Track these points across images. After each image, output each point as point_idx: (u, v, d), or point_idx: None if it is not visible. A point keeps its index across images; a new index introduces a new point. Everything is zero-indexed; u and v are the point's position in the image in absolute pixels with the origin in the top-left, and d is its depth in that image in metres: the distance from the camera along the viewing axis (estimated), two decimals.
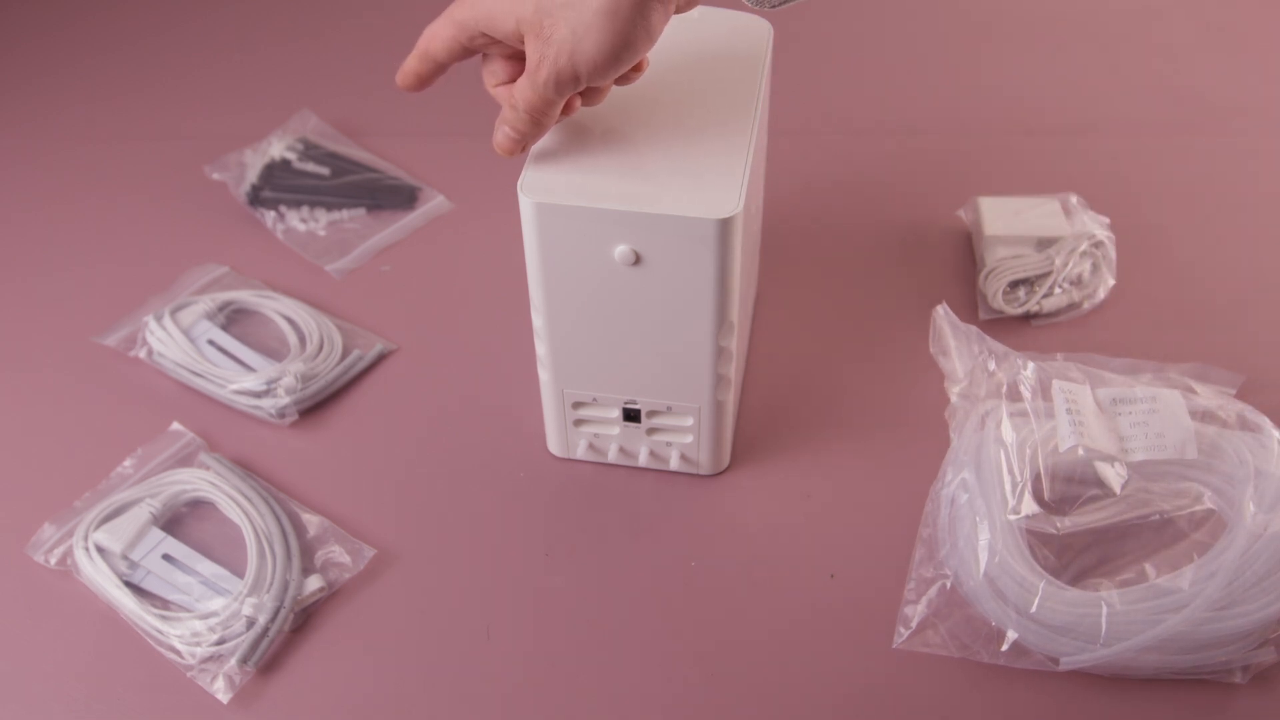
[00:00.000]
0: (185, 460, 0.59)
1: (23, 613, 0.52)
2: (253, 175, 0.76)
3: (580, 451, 0.57)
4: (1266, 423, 0.51)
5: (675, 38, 0.51)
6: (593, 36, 0.41)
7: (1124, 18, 0.95)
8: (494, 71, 0.47)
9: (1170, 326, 0.65)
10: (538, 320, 0.52)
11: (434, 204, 0.77)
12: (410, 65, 0.48)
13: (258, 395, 0.61)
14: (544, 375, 0.54)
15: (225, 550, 0.54)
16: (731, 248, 0.47)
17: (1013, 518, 0.49)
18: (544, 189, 0.47)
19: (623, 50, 0.42)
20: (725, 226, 0.46)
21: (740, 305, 0.51)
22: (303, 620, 0.52)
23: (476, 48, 0.46)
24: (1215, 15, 0.94)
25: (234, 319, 0.67)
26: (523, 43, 0.44)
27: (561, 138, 0.49)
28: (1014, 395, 0.53)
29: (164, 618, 0.50)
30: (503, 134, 0.47)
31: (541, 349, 0.53)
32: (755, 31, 0.55)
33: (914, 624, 0.50)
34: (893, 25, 0.96)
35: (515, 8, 0.43)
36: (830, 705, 0.48)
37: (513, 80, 0.46)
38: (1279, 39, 0.91)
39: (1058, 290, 0.65)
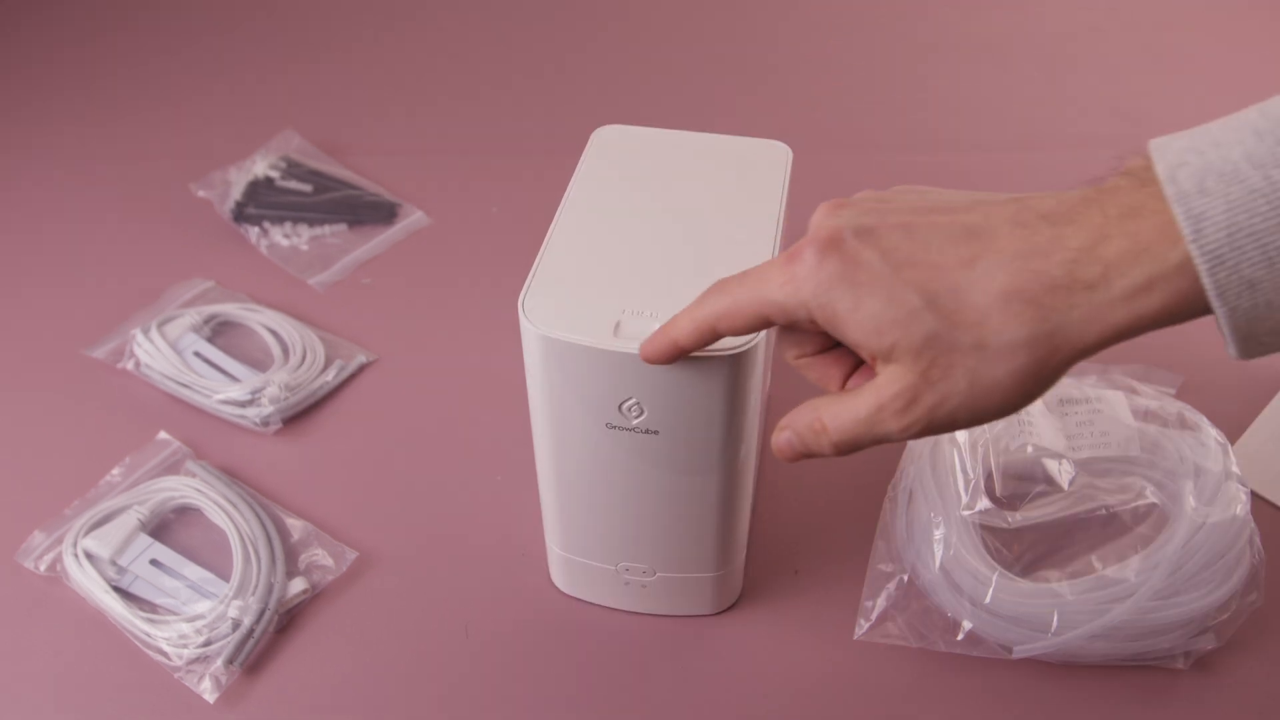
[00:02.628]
0: (172, 468, 0.59)
1: (13, 618, 0.53)
2: (237, 192, 0.77)
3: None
4: (1204, 421, 0.53)
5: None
6: (995, 398, 0.31)
7: (1067, 39, 0.98)
8: (799, 342, 0.37)
9: None
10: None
11: (413, 219, 0.78)
12: (661, 351, 0.37)
13: (243, 405, 0.62)
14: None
15: (211, 555, 0.55)
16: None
17: (966, 513, 0.49)
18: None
19: (1011, 412, 0.32)
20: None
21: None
22: (287, 621, 0.52)
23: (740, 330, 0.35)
24: (1153, 37, 0.97)
25: (219, 331, 0.68)
26: (847, 342, 0.33)
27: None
28: None
29: (152, 621, 0.51)
30: (785, 440, 0.36)
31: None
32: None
33: (874, 616, 0.50)
34: (844, 46, 0.98)
35: (886, 313, 0.31)
36: (794, 695, 0.49)
37: (820, 352, 0.37)
38: (1212, 59, 0.94)
39: None
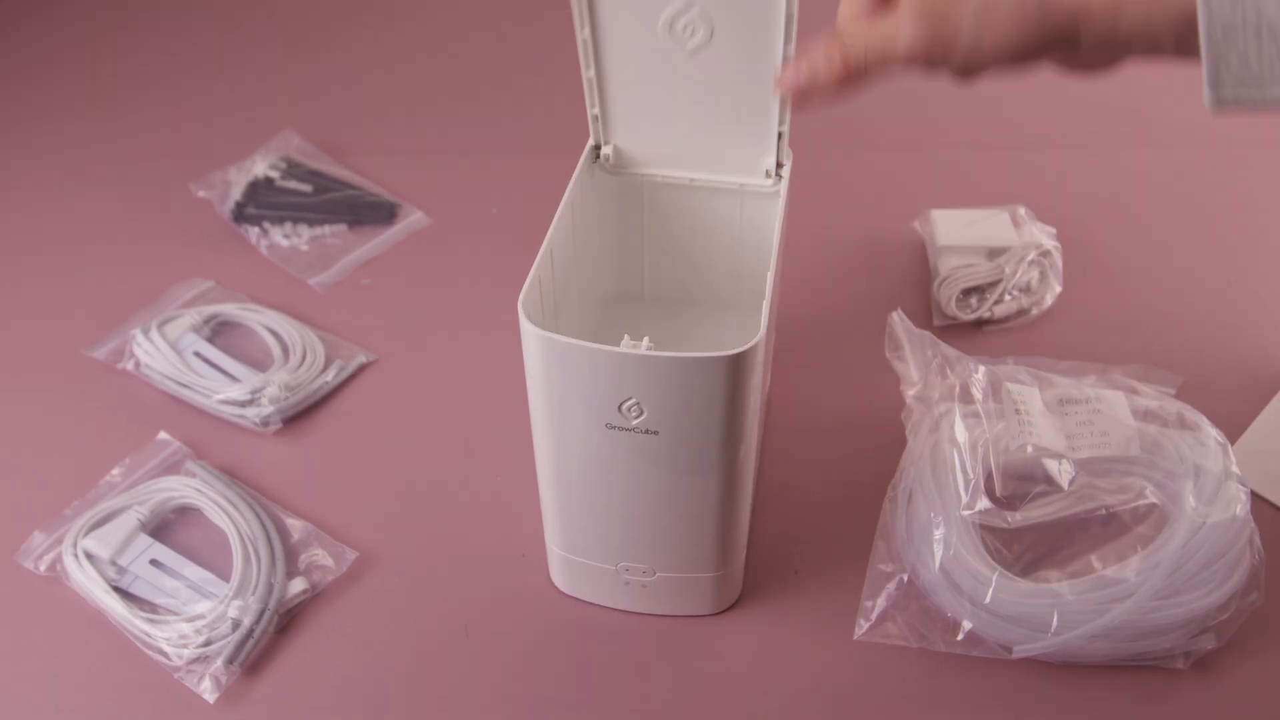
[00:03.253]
0: (172, 468, 0.59)
1: (13, 618, 0.53)
2: (237, 193, 0.77)
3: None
4: (1204, 421, 0.53)
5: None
6: (1000, 23, 0.35)
7: None
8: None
9: (1114, 331, 0.67)
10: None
11: (412, 219, 0.78)
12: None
13: (242, 405, 0.62)
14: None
15: (211, 555, 0.55)
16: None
17: (966, 513, 0.49)
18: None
19: (1013, 56, 0.36)
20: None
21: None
22: (287, 621, 0.52)
23: None
24: None
25: (219, 331, 0.68)
26: None
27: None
28: (966, 397, 0.54)
29: (152, 621, 0.51)
30: (791, 68, 0.39)
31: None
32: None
33: (874, 616, 0.50)
34: None
35: None
36: (794, 695, 0.49)
37: (871, 12, 0.39)
38: None
39: (1008, 297, 0.66)
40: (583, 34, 0.45)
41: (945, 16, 0.35)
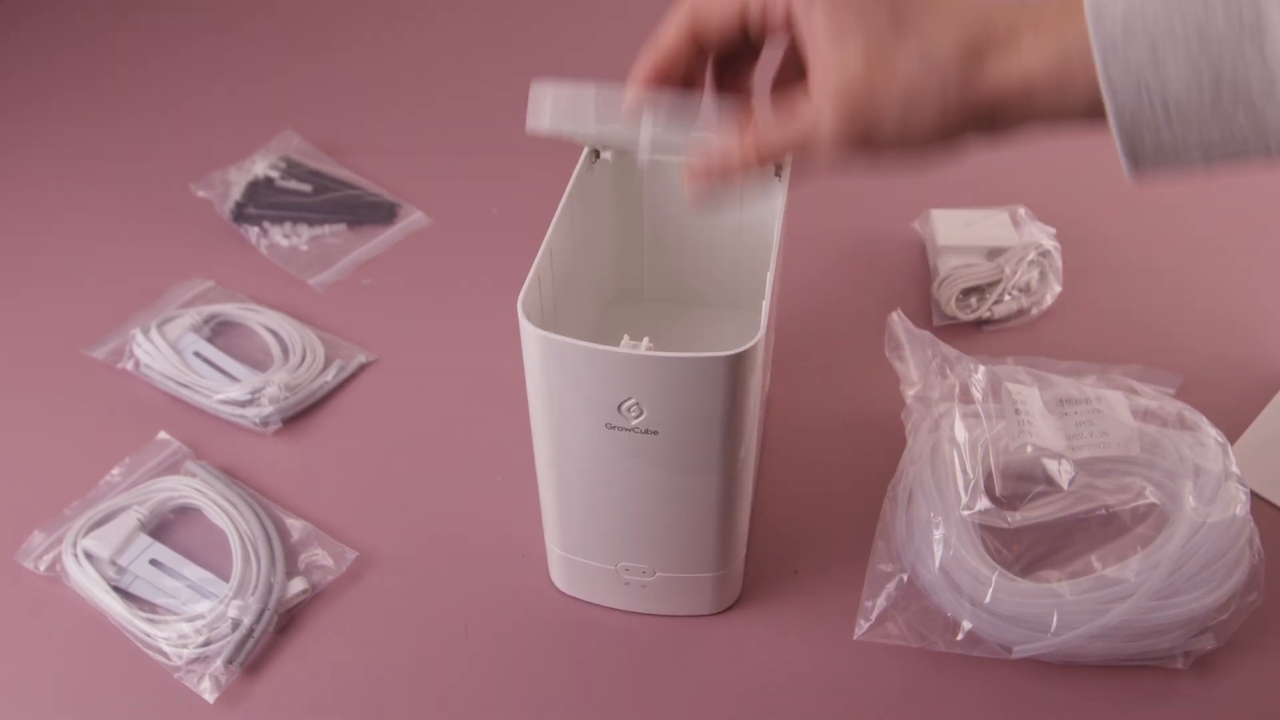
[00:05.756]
0: (172, 468, 0.59)
1: (13, 618, 0.53)
2: (237, 193, 0.77)
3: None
4: (1204, 421, 0.53)
5: None
6: (925, 109, 0.35)
7: None
8: (737, 62, 0.40)
9: (1113, 330, 0.67)
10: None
11: (412, 219, 0.78)
12: (649, 67, 0.39)
13: (242, 405, 0.62)
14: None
15: (211, 555, 0.55)
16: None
17: (966, 513, 0.49)
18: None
19: (933, 140, 0.36)
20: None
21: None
22: (287, 621, 0.52)
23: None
24: None
25: (219, 331, 0.68)
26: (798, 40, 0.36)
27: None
28: (966, 397, 0.54)
29: (151, 621, 0.51)
30: (695, 162, 0.38)
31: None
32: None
33: (874, 616, 0.50)
34: None
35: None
36: (794, 695, 0.49)
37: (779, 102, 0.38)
38: None
39: (1007, 297, 0.67)
40: None
41: (869, 105, 0.35)
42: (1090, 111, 0.33)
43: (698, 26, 0.38)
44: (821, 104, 0.35)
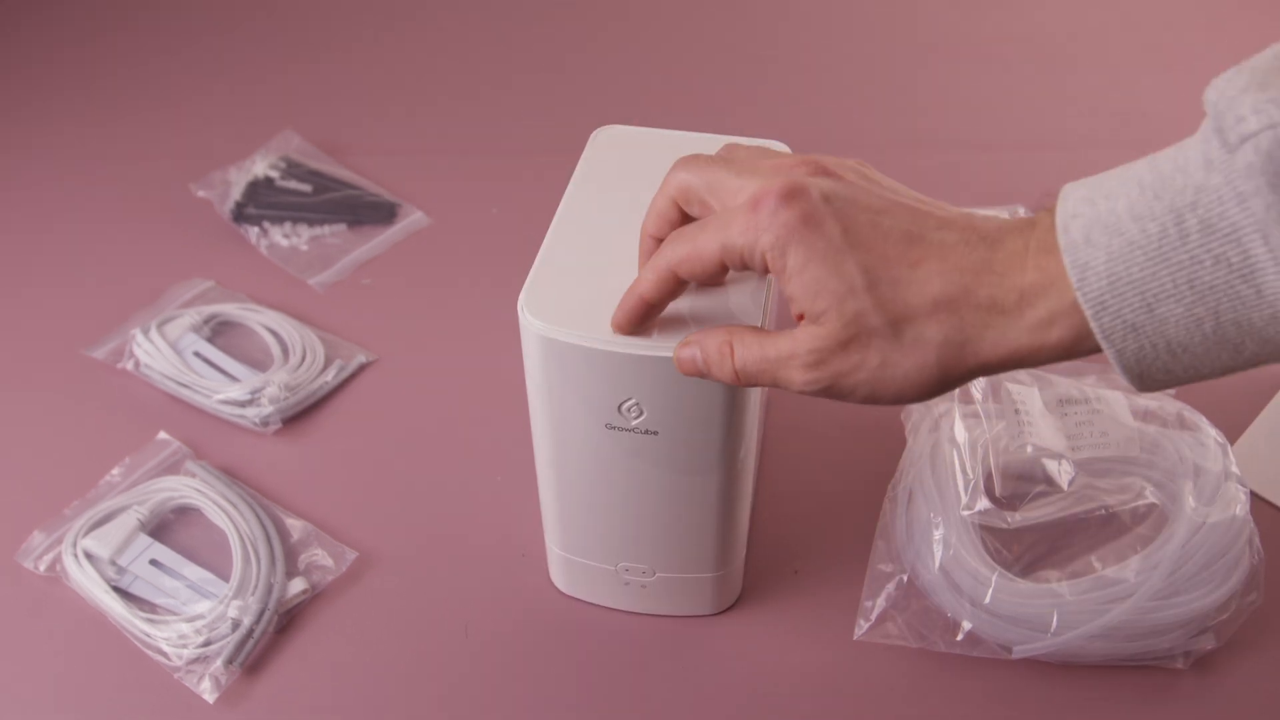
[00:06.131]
0: (172, 468, 0.59)
1: (13, 618, 0.53)
2: (237, 193, 0.77)
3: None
4: (1204, 421, 0.53)
5: None
6: (896, 384, 0.34)
7: (1067, 39, 0.98)
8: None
9: None
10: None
11: (412, 219, 0.78)
12: (631, 312, 0.39)
13: (242, 405, 0.62)
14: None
15: (211, 555, 0.55)
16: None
17: (966, 513, 0.49)
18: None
19: (903, 403, 0.36)
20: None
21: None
22: (287, 621, 0.52)
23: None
24: (1153, 37, 0.98)
25: (219, 331, 0.68)
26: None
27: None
28: (966, 397, 0.54)
29: (151, 621, 0.51)
30: (689, 356, 0.38)
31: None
32: None
33: (873, 616, 0.51)
34: (844, 46, 0.98)
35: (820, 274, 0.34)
36: (794, 695, 0.49)
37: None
38: (1212, 58, 0.94)
39: None
40: None
41: (840, 373, 0.34)
42: (1086, 352, 0.33)
43: (679, 276, 0.38)
44: (794, 356, 0.35)
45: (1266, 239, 0.28)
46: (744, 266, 0.36)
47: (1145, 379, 0.32)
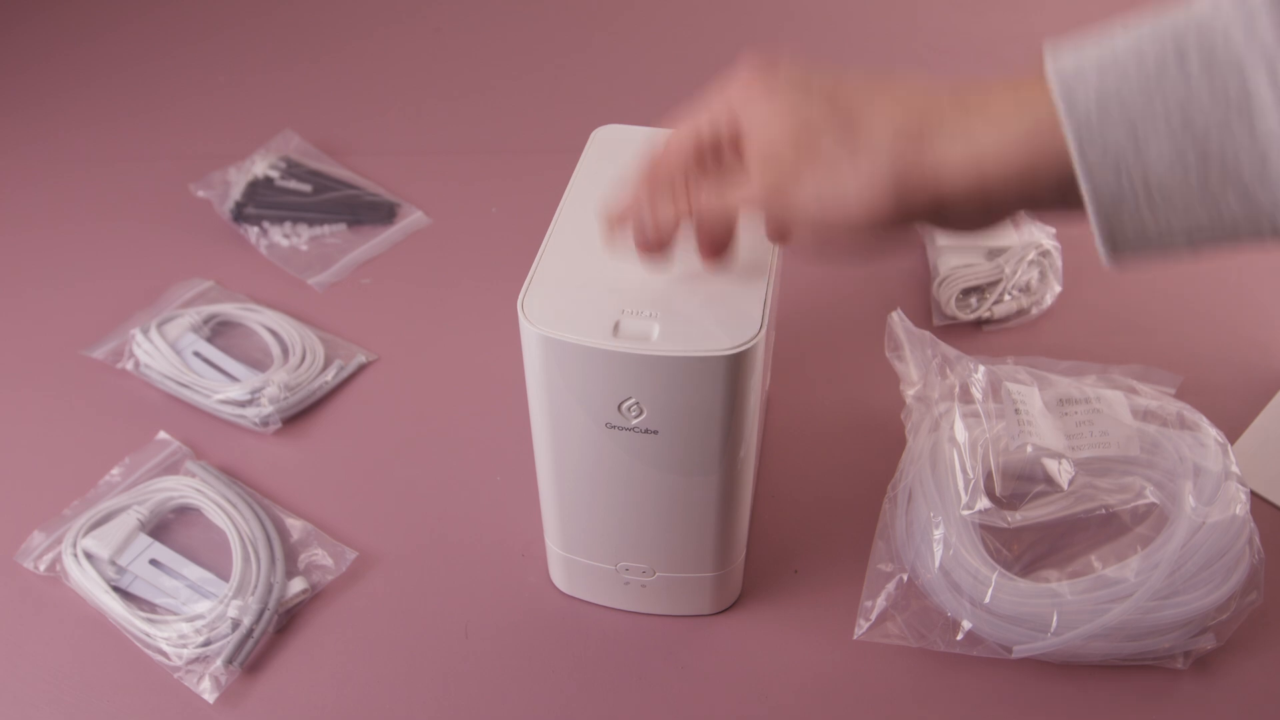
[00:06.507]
0: (172, 468, 0.59)
1: (13, 618, 0.53)
2: (237, 193, 0.77)
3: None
4: (1204, 421, 0.53)
5: None
6: (849, 201, 0.33)
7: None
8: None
9: (1113, 331, 0.67)
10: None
11: (412, 219, 0.78)
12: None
13: (242, 404, 0.62)
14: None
15: (211, 555, 0.55)
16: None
17: (966, 513, 0.49)
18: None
19: (858, 236, 0.34)
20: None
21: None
22: (286, 621, 0.52)
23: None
24: None
25: (219, 331, 0.68)
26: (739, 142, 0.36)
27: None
28: (966, 397, 0.54)
29: (151, 621, 0.51)
30: (642, 231, 0.40)
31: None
32: None
33: (874, 616, 0.50)
34: (844, 46, 0.98)
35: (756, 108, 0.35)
36: (794, 695, 0.49)
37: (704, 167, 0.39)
38: None
39: (1007, 297, 0.67)
40: None
41: (785, 175, 0.34)
42: (1063, 194, 0.31)
43: (659, 174, 0.38)
44: (749, 168, 0.35)
45: (1271, 68, 0.27)
46: (715, 140, 0.36)
47: (1115, 236, 0.30)
